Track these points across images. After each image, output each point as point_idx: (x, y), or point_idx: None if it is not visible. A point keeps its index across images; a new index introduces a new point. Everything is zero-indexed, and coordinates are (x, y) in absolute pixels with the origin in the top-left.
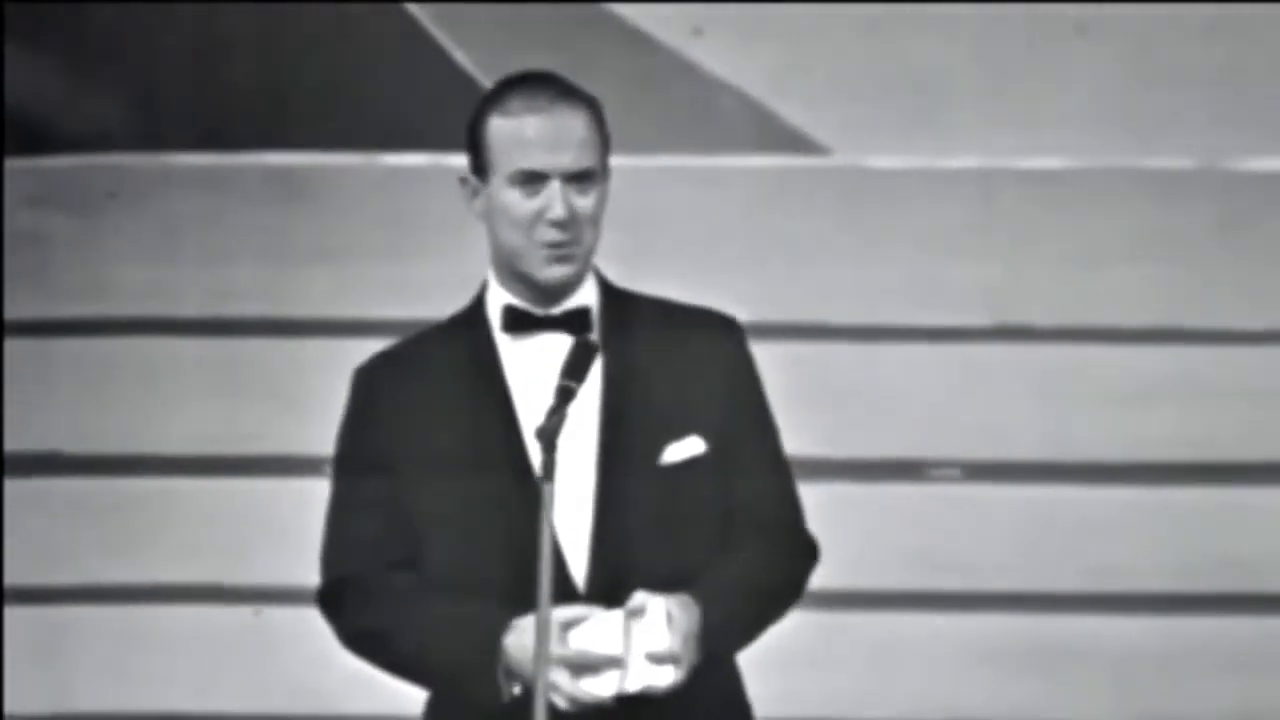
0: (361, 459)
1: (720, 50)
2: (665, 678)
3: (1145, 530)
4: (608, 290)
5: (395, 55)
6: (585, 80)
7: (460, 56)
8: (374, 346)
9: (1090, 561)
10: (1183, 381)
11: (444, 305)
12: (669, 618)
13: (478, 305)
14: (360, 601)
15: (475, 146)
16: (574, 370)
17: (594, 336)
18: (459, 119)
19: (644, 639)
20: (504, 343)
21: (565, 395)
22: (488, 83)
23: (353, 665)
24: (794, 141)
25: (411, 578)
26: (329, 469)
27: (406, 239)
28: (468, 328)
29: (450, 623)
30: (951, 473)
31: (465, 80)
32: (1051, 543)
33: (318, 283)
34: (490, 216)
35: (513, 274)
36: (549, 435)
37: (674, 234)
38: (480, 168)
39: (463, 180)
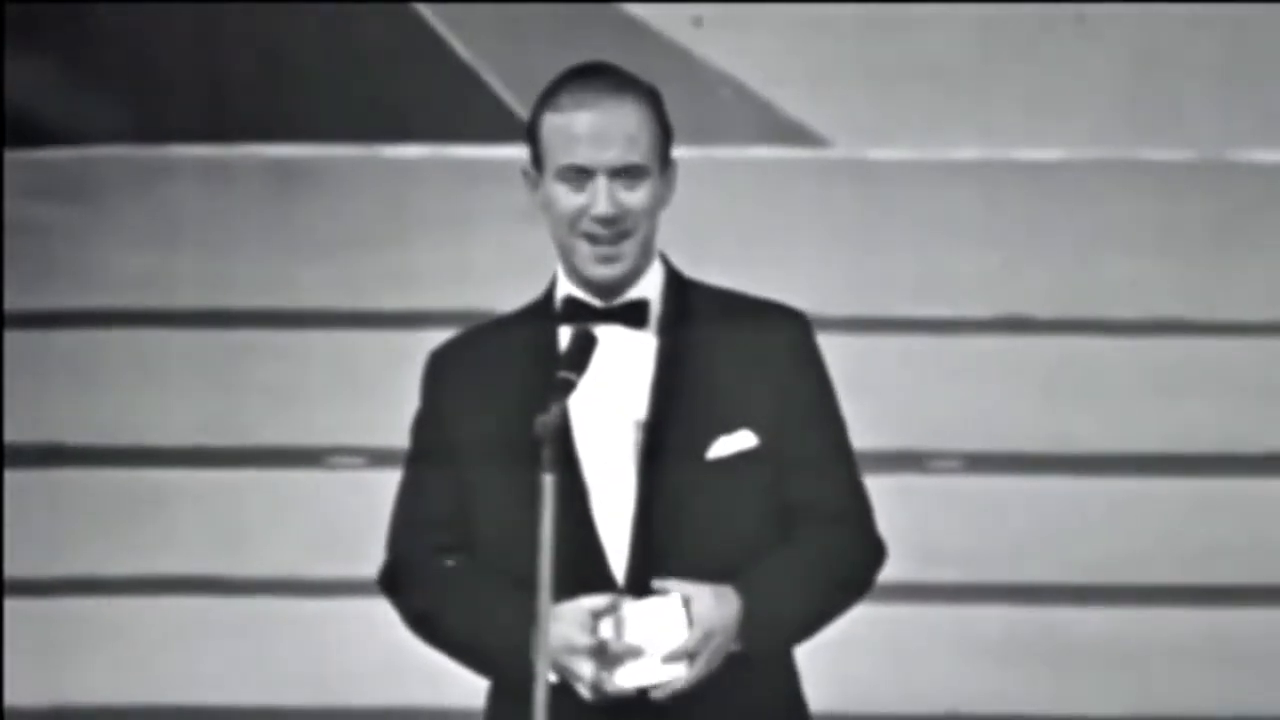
0: (425, 444)
1: (719, 41)
2: (675, 673)
3: (1146, 522)
4: (672, 280)
5: (395, 47)
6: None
7: (460, 48)
8: (373, 338)
9: (1090, 553)
10: (1183, 373)
11: (443, 296)
12: (691, 611)
13: (547, 295)
14: (413, 585)
15: (532, 141)
16: (573, 362)
17: (650, 328)
18: (459, 110)
19: (663, 632)
20: (564, 334)
21: (564, 388)
22: (488, 75)
23: (352, 657)
24: (794, 133)
25: (463, 562)
26: (330, 459)
27: (406, 230)
28: (534, 318)
29: (490, 609)
30: (952, 464)
31: (465, 72)
32: (1052, 534)
33: (317, 274)
34: (545, 211)
35: (570, 269)
36: (548, 429)
37: (672, 226)
38: (537, 162)
39: (524, 173)
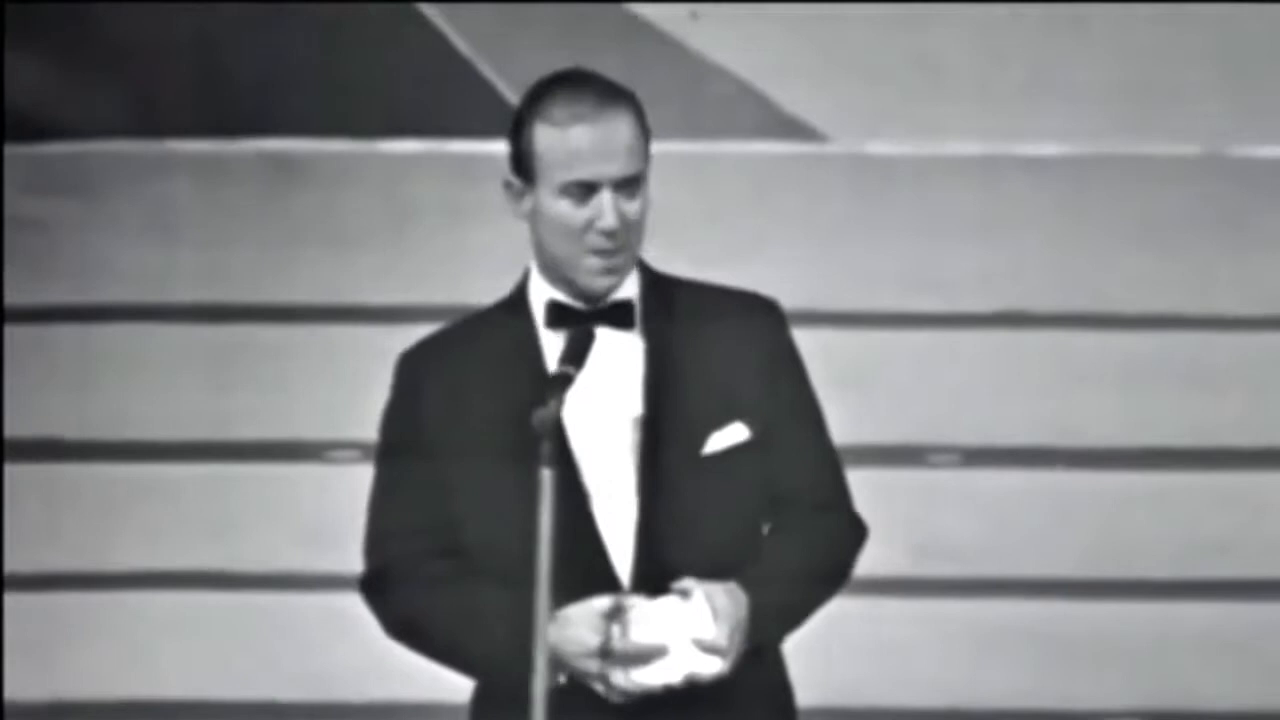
0: (403, 445)
1: (717, 35)
2: (711, 667)
3: (1145, 516)
4: (648, 277)
5: (393, 41)
6: (581, 66)
7: (458, 42)
8: (370, 332)
9: (1089, 547)
10: (1183, 368)
11: (439, 291)
12: (714, 607)
13: (520, 295)
14: (400, 590)
15: (520, 152)
16: (572, 356)
17: (635, 327)
18: (456, 105)
19: (690, 628)
20: (546, 334)
21: (564, 382)
22: (486, 69)
23: (350, 652)
24: (792, 128)
25: (451, 565)
26: (327, 453)
27: (402, 225)
28: (510, 317)
29: (491, 613)
30: (951, 458)
31: (463, 66)
32: (1050, 528)
33: (315, 268)
34: (537, 222)
35: (559, 276)
36: (547, 423)
37: (670, 221)
38: (526, 173)
39: (506, 184)
